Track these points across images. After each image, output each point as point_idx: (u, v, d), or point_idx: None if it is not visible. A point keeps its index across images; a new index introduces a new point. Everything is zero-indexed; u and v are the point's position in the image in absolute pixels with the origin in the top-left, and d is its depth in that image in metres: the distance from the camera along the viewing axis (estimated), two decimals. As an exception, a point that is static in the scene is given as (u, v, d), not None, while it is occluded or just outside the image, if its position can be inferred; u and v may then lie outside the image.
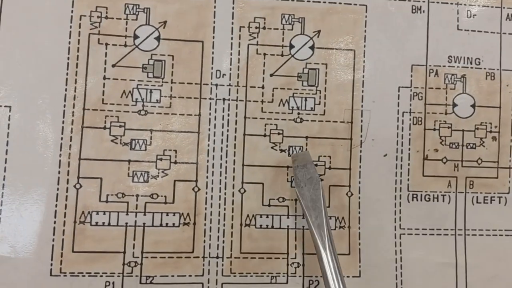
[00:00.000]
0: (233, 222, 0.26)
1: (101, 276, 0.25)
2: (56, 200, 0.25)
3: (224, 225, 0.26)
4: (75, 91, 0.25)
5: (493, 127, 0.28)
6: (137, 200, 0.26)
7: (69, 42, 0.26)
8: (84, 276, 0.25)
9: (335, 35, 0.27)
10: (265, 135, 0.27)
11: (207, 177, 0.26)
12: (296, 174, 0.25)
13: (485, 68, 0.28)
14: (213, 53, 0.27)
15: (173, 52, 0.26)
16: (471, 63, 0.28)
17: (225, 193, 0.26)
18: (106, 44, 0.26)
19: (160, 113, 0.26)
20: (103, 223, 0.25)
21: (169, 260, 0.26)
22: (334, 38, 0.27)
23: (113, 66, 0.26)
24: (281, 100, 0.27)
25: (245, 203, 0.26)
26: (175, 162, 0.26)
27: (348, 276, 0.27)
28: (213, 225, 0.26)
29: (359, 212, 0.27)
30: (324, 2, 0.27)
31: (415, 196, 0.27)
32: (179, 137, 0.26)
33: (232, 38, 0.27)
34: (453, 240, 0.28)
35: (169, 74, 0.26)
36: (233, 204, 0.26)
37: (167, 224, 0.26)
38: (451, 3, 0.28)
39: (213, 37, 0.27)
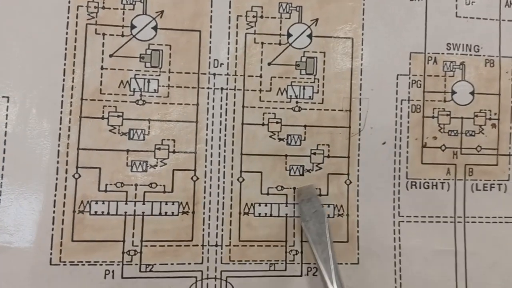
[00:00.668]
0: (232, 211, 0.26)
1: (100, 264, 0.25)
2: (55, 190, 0.25)
3: (223, 213, 0.26)
4: (73, 81, 0.26)
5: (492, 114, 0.28)
6: (136, 190, 0.26)
7: (67, 33, 0.26)
8: (83, 265, 0.25)
9: (333, 24, 0.27)
10: (263, 124, 0.27)
11: (205, 166, 0.26)
12: (301, 208, 0.25)
13: (484, 55, 0.28)
14: (210, 42, 0.27)
15: (171, 42, 0.26)
16: (470, 50, 0.28)
17: (223, 182, 0.26)
18: (104, 34, 0.26)
19: (158, 103, 0.26)
20: (102, 212, 0.25)
21: (168, 249, 0.26)
22: (332, 26, 0.27)
23: (111, 56, 0.26)
24: (279, 89, 0.27)
25: (244, 192, 0.26)
26: (174, 152, 0.26)
27: (346, 263, 0.27)
28: (212, 213, 0.26)
29: (358, 200, 0.27)
30: (322, -10, 0.27)
31: (414, 183, 0.27)
32: (177, 127, 0.26)
33: (229, 27, 0.27)
34: (452, 228, 0.28)
35: (167, 64, 0.26)
36: (231, 192, 0.26)
37: (166, 213, 0.26)
38: (450, -10, 0.28)
39: (211, 27, 0.27)
